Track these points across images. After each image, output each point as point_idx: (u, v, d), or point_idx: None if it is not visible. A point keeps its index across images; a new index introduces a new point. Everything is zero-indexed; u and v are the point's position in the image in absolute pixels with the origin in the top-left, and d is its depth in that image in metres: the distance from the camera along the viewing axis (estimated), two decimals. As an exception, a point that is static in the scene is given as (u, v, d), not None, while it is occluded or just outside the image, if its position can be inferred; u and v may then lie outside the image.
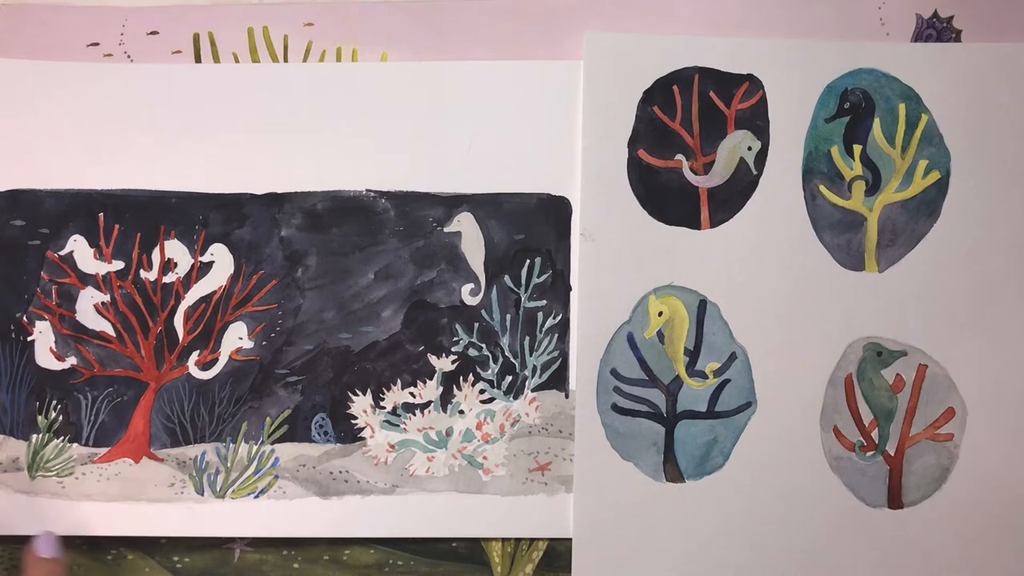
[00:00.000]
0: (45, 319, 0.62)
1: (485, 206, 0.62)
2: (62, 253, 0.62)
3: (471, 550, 0.62)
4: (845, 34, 0.62)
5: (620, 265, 0.61)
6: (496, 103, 0.62)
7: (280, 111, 0.62)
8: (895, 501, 0.61)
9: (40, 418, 0.62)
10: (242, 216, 0.63)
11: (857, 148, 0.61)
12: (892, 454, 0.61)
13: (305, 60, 0.63)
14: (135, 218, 0.62)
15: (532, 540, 0.62)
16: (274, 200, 0.63)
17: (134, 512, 0.61)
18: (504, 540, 0.62)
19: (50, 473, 0.61)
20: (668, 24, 0.62)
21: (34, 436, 0.61)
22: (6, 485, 0.61)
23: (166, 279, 0.62)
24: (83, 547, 0.62)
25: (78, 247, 0.62)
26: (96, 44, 0.63)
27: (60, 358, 0.62)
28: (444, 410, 0.62)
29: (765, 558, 0.60)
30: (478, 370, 0.62)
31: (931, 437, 0.61)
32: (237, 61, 0.63)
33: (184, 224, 0.62)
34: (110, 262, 0.62)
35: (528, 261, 0.62)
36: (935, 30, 0.62)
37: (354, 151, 0.62)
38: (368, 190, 0.62)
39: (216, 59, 0.63)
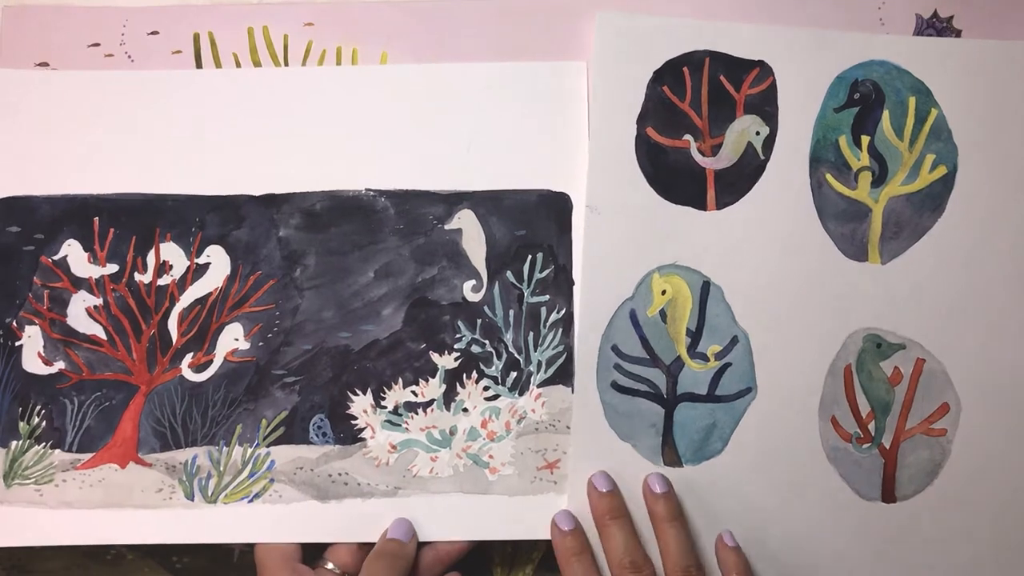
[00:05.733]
0: (35, 323, 0.60)
1: (486, 203, 0.62)
2: (56, 258, 0.61)
3: (471, 550, 0.59)
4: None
5: (625, 241, 0.61)
6: (497, 102, 0.63)
7: (279, 114, 0.63)
8: (888, 495, 0.59)
9: (22, 424, 0.58)
10: (239, 217, 0.62)
11: (865, 139, 0.62)
12: (887, 447, 0.59)
13: (305, 60, 0.64)
14: (130, 221, 0.62)
15: (534, 540, 0.59)
16: (272, 201, 0.62)
17: (118, 519, 0.57)
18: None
19: (28, 481, 0.58)
20: (678, 9, 0.63)
21: (13, 443, 0.58)
22: (-23, 494, 0.57)
23: (161, 281, 0.61)
24: (83, 547, 0.59)
25: (72, 251, 0.61)
26: (97, 44, 0.64)
27: (48, 362, 0.59)
28: (447, 408, 0.60)
29: (759, 547, 0.58)
30: (482, 367, 0.60)
31: (925, 432, 0.60)
32: (237, 61, 0.64)
33: (180, 226, 0.62)
34: (104, 265, 0.61)
35: (530, 257, 0.62)
36: (935, 30, 0.63)
37: (353, 151, 0.62)
38: (367, 189, 0.62)
39: (216, 59, 0.64)
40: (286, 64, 0.64)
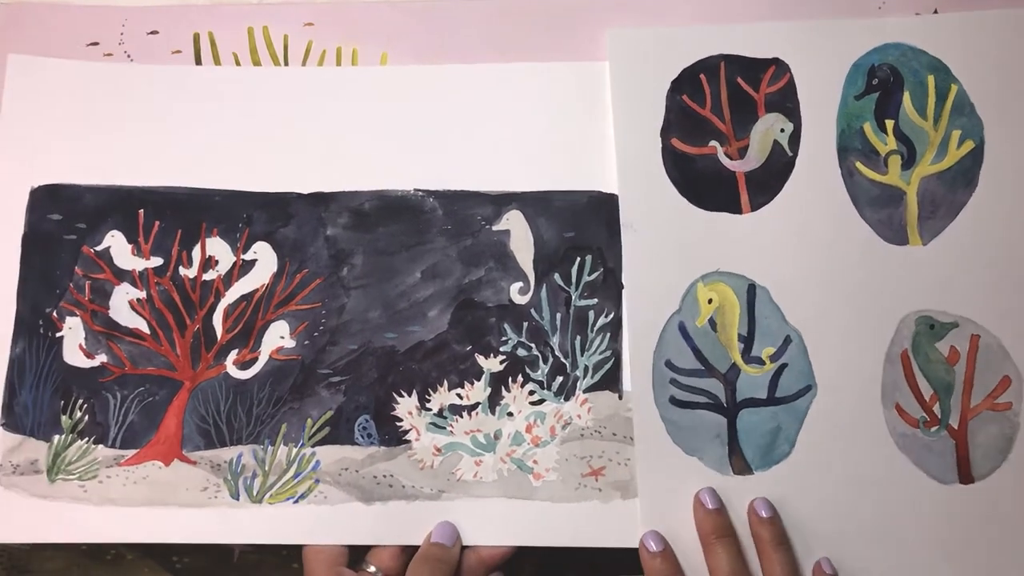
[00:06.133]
0: (76, 315, 0.59)
1: (535, 204, 0.62)
2: (98, 248, 0.60)
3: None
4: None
5: (665, 254, 0.60)
6: (544, 103, 0.62)
7: (329, 113, 0.62)
8: (965, 476, 0.58)
9: (64, 418, 0.58)
10: (287, 215, 0.61)
11: (889, 123, 0.62)
12: (956, 428, 0.59)
13: (305, 61, 0.63)
14: (176, 215, 0.61)
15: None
16: (320, 199, 0.62)
17: (164, 517, 0.56)
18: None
19: (71, 476, 0.57)
20: (682, 17, 0.63)
21: (56, 437, 0.58)
22: (22, 488, 0.56)
23: (206, 276, 0.60)
24: (82, 547, 0.59)
25: (115, 242, 0.60)
26: (96, 44, 0.63)
27: (89, 355, 0.59)
28: (492, 412, 0.60)
29: (842, 544, 0.57)
30: (527, 371, 0.60)
31: (991, 407, 0.59)
32: (237, 61, 0.63)
33: (227, 222, 0.61)
34: (148, 258, 0.60)
35: (579, 259, 0.61)
36: (935, 29, 0.63)
37: (401, 152, 0.62)
38: (416, 189, 0.62)
39: (216, 59, 0.63)
40: (286, 64, 0.63)
